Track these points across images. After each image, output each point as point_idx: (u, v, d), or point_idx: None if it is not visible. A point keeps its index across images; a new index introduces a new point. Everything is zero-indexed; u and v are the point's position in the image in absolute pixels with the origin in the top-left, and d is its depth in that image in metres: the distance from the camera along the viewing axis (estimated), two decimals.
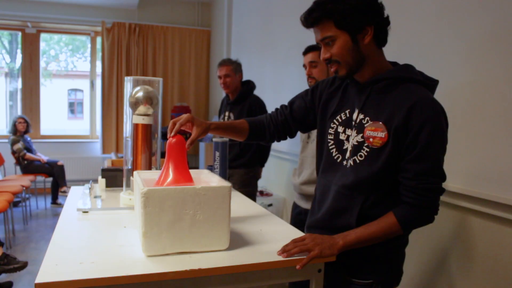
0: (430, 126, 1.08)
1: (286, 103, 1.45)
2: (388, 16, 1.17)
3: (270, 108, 3.61)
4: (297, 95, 1.44)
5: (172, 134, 1.27)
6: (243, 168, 2.90)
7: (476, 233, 1.64)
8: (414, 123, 1.09)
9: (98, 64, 5.97)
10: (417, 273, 1.91)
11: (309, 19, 1.15)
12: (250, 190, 2.90)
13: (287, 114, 1.42)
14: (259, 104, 2.88)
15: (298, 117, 1.40)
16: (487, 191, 1.56)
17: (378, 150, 1.14)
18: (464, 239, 1.69)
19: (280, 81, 3.63)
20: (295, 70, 3.26)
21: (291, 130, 1.44)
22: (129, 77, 1.63)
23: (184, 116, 1.30)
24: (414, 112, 1.09)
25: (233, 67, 2.87)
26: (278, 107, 1.46)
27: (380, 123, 1.13)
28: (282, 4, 3.63)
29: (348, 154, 1.22)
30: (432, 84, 1.19)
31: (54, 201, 5.08)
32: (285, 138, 1.47)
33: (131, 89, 1.60)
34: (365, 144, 1.16)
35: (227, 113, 2.97)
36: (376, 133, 1.14)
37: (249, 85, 2.93)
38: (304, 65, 2.12)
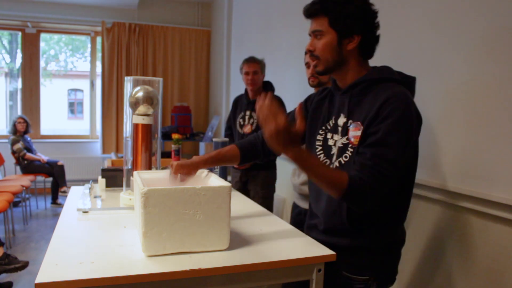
0: (397, 115, 1.10)
1: None
2: (379, 35, 1.22)
3: None
4: (289, 112, 1.47)
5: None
6: (266, 170, 2.90)
7: (476, 233, 1.64)
8: (383, 112, 1.11)
9: (98, 64, 5.96)
10: (416, 272, 1.92)
11: (310, 10, 1.22)
12: (271, 191, 2.94)
13: None
14: (282, 105, 2.87)
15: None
16: (486, 191, 1.56)
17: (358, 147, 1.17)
18: (464, 239, 1.69)
19: (280, 81, 3.63)
20: (295, 70, 3.26)
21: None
22: (129, 77, 1.64)
23: (173, 166, 1.31)
24: (385, 104, 1.12)
25: (261, 65, 2.89)
26: None
27: (359, 122, 1.17)
28: (282, 4, 3.63)
29: (334, 158, 1.25)
30: (409, 81, 1.23)
31: (54, 201, 5.08)
32: (280, 154, 1.47)
33: (131, 89, 1.60)
34: (349, 146, 1.20)
35: (248, 112, 2.91)
36: (356, 132, 1.17)
37: (272, 86, 2.95)
38: (306, 63, 2.10)
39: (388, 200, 1.19)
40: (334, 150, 1.25)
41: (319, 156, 1.30)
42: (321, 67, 1.23)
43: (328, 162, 1.26)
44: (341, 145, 1.22)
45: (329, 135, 1.28)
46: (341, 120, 1.24)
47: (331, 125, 1.28)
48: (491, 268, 1.57)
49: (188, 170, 1.32)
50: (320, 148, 1.30)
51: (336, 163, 1.22)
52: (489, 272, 1.57)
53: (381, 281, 1.26)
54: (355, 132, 1.17)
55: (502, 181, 1.50)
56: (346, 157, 1.20)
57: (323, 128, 1.31)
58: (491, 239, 1.57)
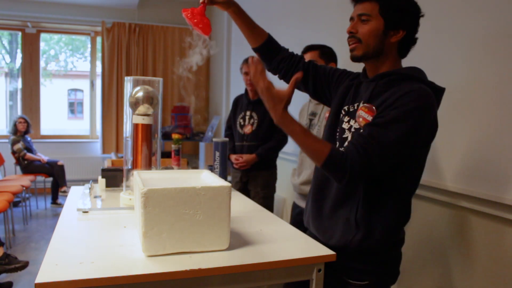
0: (411, 107, 1.08)
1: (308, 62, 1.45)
2: (417, 38, 1.22)
3: None
4: (324, 66, 1.45)
5: None
6: (267, 170, 2.91)
7: (476, 233, 1.64)
8: (399, 101, 1.09)
9: (98, 64, 5.96)
10: (417, 272, 1.91)
11: None
12: (272, 191, 2.94)
13: (310, 73, 1.43)
14: None
15: (316, 85, 1.43)
16: (487, 191, 1.56)
17: None
18: (464, 238, 1.69)
19: (279, 81, 3.63)
20: None
21: (299, 82, 1.44)
22: (129, 77, 1.64)
23: None
24: (405, 95, 1.10)
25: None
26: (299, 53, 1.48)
27: (374, 107, 1.16)
28: (282, 4, 3.63)
29: (346, 143, 1.24)
30: (437, 89, 1.19)
31: (54, 201, 5.08)
32: (285, 80, 1.48)
33: (131, 89, 1.60)
34: (359, 129, 1.18)
35: (248, 113, 2.91)
36: (367, 115, 1.16)
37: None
38: None
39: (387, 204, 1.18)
40: (348, 134, 1.24)
41: (336, 138, 1.30)
42: (359, 51, 1.20)
43: (338, 144, 1.26)
44: (354, 130, 1.22)
45: (345, 119, 1.27)
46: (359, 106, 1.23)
47: (351, 110, 1.27)
48: (491, 268, 1.57)
49: None
50: (338, 131, 1.30)
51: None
52: (489, 272, 1.57)
53: (381, 285, 1.25)
54: (366, 115, 1.16)
55: (502, 181, 1.50)
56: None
57: (342, 111, 1.30)
58: (491, 239, 1.57)
